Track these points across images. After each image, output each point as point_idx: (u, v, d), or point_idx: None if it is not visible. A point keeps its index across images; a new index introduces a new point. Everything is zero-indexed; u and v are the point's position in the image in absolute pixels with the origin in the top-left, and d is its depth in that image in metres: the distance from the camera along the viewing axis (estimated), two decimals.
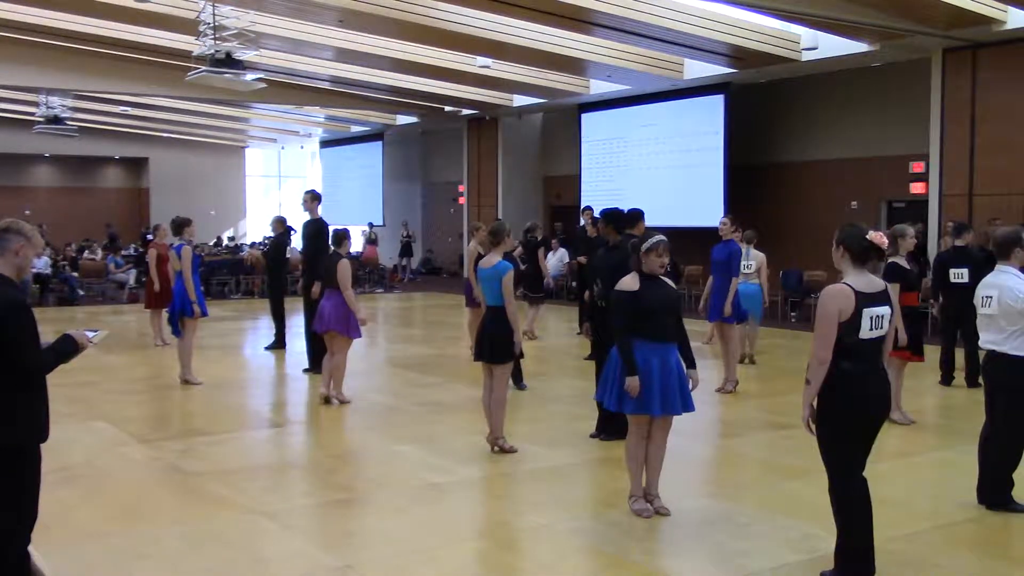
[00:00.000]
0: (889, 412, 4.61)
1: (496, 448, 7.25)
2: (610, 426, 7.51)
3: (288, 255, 13.76)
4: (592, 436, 7.68)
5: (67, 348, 4.11)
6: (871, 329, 4.39)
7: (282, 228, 13.80)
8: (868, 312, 4.37)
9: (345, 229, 9.47)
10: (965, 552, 5.25)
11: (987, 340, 5.81)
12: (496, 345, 7.06)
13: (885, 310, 4.44)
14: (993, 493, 5.87)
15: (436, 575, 4.90)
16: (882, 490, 6.27)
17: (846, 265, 4.49)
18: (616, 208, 7.96)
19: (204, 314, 10.40)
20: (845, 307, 4.35)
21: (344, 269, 9.04)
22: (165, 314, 13.32)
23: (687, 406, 5.64)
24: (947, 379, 10.27)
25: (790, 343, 13.90)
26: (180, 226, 10.75)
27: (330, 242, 9.45)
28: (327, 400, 9.21)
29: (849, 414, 4.44)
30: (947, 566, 5.01)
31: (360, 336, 9.39)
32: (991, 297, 5.71)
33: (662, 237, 5.61)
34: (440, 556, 5.13)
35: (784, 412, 8.81)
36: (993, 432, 5.89)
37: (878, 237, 4.46)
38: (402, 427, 8.44)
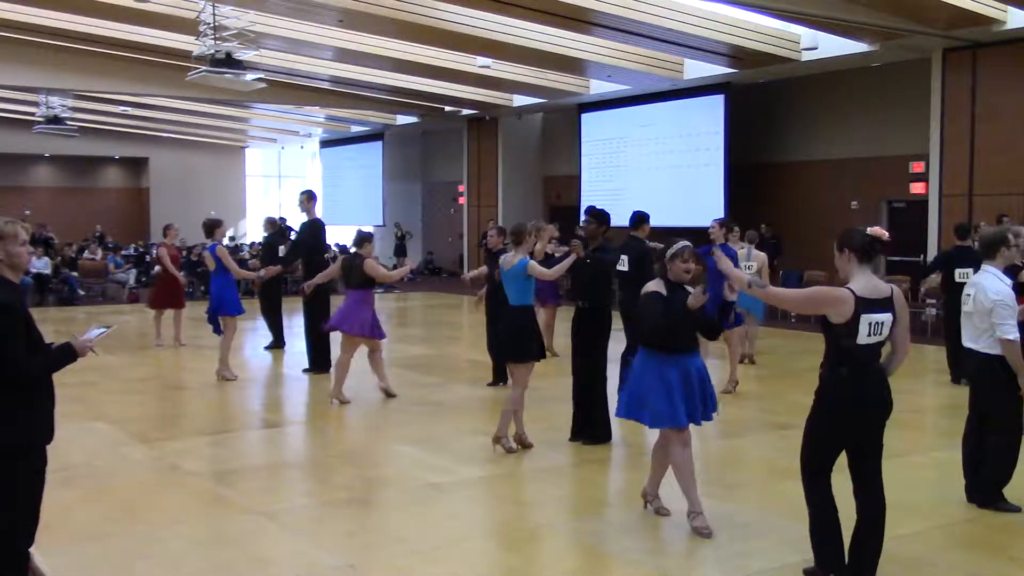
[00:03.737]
0: (888, 413, 4.60)
1: (496, 447, 7.23)
2: (588, 430, 7.52)
3: (282, 255, 13.78)
4: (571, 440, 7.60)
5: (63, 356, 4.09)
6: (869, 335, 4.35)
7: (273, 228, 13.85)
8: (867, 318, 4.31)
9: (369, 232, 9.65)
10: (965, 552, 5.26)
11: (965, 337, 5.91)
12: (525, 344, 7.04)
13: (886, 316, 4.38)
14: (985, 491, 5.89)
15: (436, 575, 4.90)
16: None
17: (853, 267, 4.44)
18: (602, 209, 7.90)
19: (240, 311, 10.64)
20: (842, 310, 4.31)
21: (372, 266, 9.26)
22: (164, 314, 13.42)
23: (707, 415, 5.49)
24: (956, 378, 10.25)
25: (790, 343, 13.90)
26: (212, 227, 10.92)
27: (351, 244, 9.64)
28: (388, 394, 9.42)
29: (839, 417, 4.46)
30: (947, 566, 5.01)
31: (367, 333, 9.36)
32: (970, 295, 5.81)
33: (687, 243, 5.39)
34: (440, 556, 5.13)
35: (784, 412, 8.81)
36: (990, 431, 5.91)
37: (878, 231, 4.46)
38: (402, 427, 8.44)
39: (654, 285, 5.43)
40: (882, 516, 4.58)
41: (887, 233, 4.51)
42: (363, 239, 9.46)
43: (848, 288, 4.37)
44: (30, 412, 4.01)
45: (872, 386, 4.47)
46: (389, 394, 9.46)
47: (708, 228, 10.15)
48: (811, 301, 4.62)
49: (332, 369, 9.68)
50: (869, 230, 4.46)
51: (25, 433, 4.00)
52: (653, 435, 7.96)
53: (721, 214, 18.14)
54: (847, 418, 4.45)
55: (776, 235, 18.18)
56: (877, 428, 4.57)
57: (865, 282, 4.39)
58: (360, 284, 9.28)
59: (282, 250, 13.62)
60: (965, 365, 6.04)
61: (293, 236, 14.37)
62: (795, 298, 4.76)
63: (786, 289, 4.82)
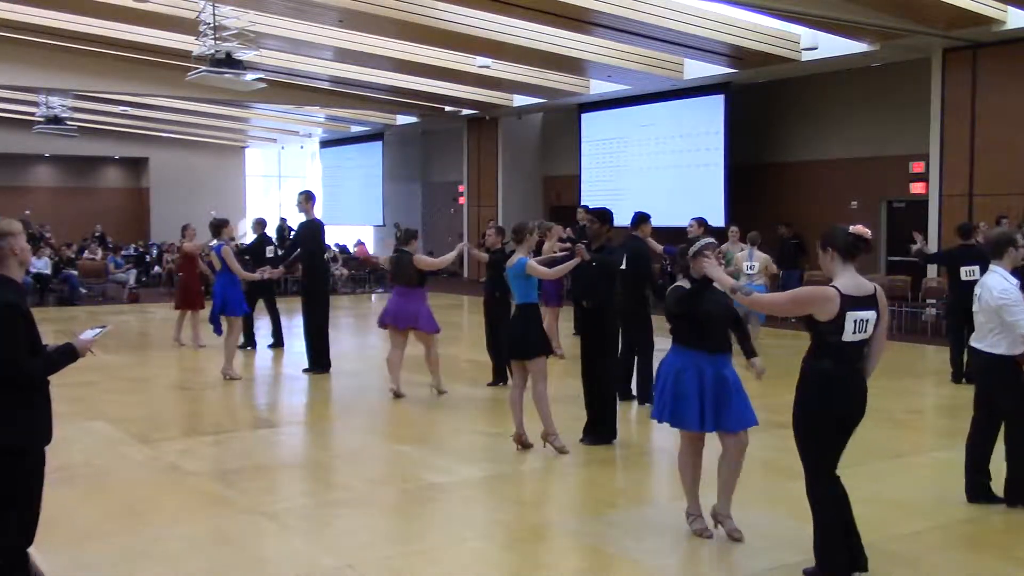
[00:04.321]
0: (863, 413, 4.61)
1: (546, 445, 7.19)
2: (595, 429, 7.52)
3: (270, 255, 13.73)
4: (581, 440, 7.56)
5: (63, 356, 4.08)
6: (855, 332, 4.39)
7: (261, 229, 13.86)
8: (852, 315, 4.35)
9: (415, 229, 9.99)
10: (965, 552, 5.25)
11: (972, 336, 5.96)
12: (530, 341, 7.03)
13: (871, 314, 4.42)
14: (1016, 492, 5.89)
15: (436, 575, 4.90)
16: (882, 490, 6.29)
17: (836, 266, 4.49)
18: (605, 208, 7.90)
19: (246, 311, 10.84)
20: (828, 308, 4.35)
21: (420, 260, 9.46)
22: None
23: (746, 420, 5.28)
24: (957, 377, 10.25)
25: (790, 343, 13.87)
26: (218, 227, 11.05)
27: (398, 242, 9.77)
28: (397, 395, 9.43)
29: (826, 414, 4.49)
30: (947, 566, 5.01)
31: (439, 330, 9.64)
32: (978, 295, 5.87)
33: (711, 239, 5.28)
34: (440, 556, 5.13)
35: (784, 412, 8.74)
36: (1014, 429, 5.91)
37: (860, 229, 4.50)
38: (402, 427, 8.44)
39: (678, 282, 5.38)
40: (850, 513, 4.59)
41: (869, 231, 4.56)
42: (409, 236, 9.63)
43: (833, 286, 4.41)
44: (30, 413, 4.01)
45: (853, 384, 4.52)
46: (398, 394, 9.45)
47: (687, 227, 9.97)
48: (797, 302, 4.61)
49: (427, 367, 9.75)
50: (852, 228, 4.51)
51: (25, 434, 4.00)
52: (657, 435, 7.98)
53: (721, 214, 18.17)
54: (830, 413, 4.49)
55: (798, 235, 17.65)
56: (853, 424, 4.60)
57: (849, 280, 4.43)
58: (412, 281, 9.40)
59: (270, 251, 13.59)
60: (969, 363, 6.05)
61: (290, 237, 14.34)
62: (781, 302, 4.76)
63: (771, 294, 4.81)
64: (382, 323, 9.65)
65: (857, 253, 4.48)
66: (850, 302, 4.36)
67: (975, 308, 5.88)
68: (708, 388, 5.12)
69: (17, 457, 3.97)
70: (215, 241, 11.02)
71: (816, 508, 4.59)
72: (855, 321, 4.36)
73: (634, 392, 9.05)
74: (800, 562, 4.90)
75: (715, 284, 5.22)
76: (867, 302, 4.43)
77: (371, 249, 29.33)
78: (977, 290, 5.88)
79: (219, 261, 10.62)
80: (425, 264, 9.51)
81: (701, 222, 9.79)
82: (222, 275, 10.59)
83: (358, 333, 16.64)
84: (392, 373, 9.50)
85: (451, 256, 9.79)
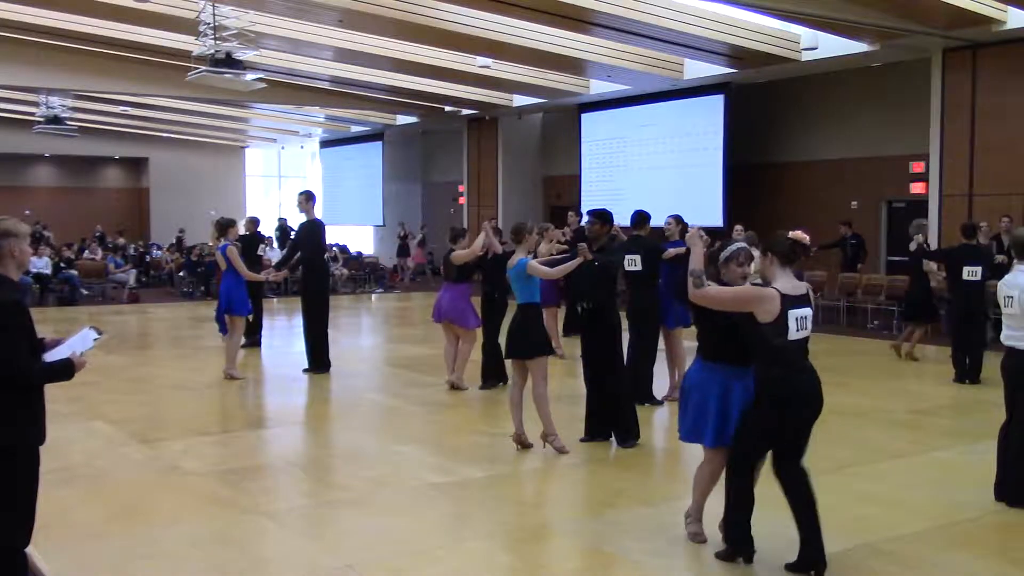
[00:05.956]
0: (820, 410, 4.71)
1: (546, 445, 7.19)
2: (593, 428, 7.52)
3: (260, 253, 13.69)
4: (582, 440, 7.55)
5: (61, 370, 4.04)
6: (798, 330, 4.58)
7: (253, 227, 13.86)
8: (793, 313, 4.56)
9: (463, 228, 10.38)
10: (965, 552, 5.25)
11: (1008, 336, 5.91)
12: (531, 341, 7.01)
13: (807, 311, 4.64)
14: (1018, 491, 5.86)
15: (436, 575, 4.90)
16: (882, 490, 6.29)
17: (775, 270, 4.70)
18: (604, 209, 7.88)
19: (250, 311, 10.98)
20: (769, 307, 4.53)
21: (457, 255, 9.62)
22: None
23: None
24: (960, 376, 10.23)
25: None
26: (224, 227, 11.07)
27: (447, 240, 10.02)
28: (454, 386, 9.72)
29: (777, 416, 4.62)
30: (947, 566, 5.01)
31: (479, 325, 9.81)
32: (1012, 297, 5.83)
33: (743, 244, 5.11)
34: (440, 556, 5.13)
35: None
36: (1017, 429, 5.89)
37: (799, 234, 4.69)
38: (402, 427, 8.44)
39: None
40: (816, 511, 4.74)
41: (808, 237, 4.74)
42: (456, 234, 9.89)
43: (773, 287, 4.62)
44: (26, 412, 4.00)
45: (806, 383, 4.65)
46: (455, 386, 9.73)
47: (664, 224, 9.77)
48: (738, 300, 4.73)
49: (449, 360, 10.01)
50: (791, 234, 4.70)
51: (21, 433, 4.00)
52: (657, 436, 7.99)
53: (720, 214, 18.19)
54: (783, 417, 4.63)
55: (858, 235, 16.86)
56: (811, 423, 4.71)
57: (786, 282, 4.66)
58: (458, 278, 9.66)
59: (261, 249, 13.54)
60: (1006, 363, 5.95)
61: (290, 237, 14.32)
62: (723, 297, 4.77)
63: (716, 288, 4.79)
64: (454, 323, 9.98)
65: (795, 258, 4.71)
66: (789, 301, 4.56)
67: (1012, 311, 5.81)
68: (735, 403, 4.90)
69: (13, 457, 3.98)
70: (221, 241, 11.08)
71: (730, 493, 4.83)
72: (796, 319, 4.57)
73: (657, 396, 9.04)
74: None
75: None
76: (803, 300, 4.65)
77: (371, 249, 29.36)
78: (1011, 292, 5.81)
79: (224, 261, 10.66)
80: (457, 259, 9.60)
81: (678, 219, 9.69)
82: (227, 275, 10.65)
83: (358, 333, 16.65)
84: (447, 364, 9.89)
85: (478, 243, 9.59)
